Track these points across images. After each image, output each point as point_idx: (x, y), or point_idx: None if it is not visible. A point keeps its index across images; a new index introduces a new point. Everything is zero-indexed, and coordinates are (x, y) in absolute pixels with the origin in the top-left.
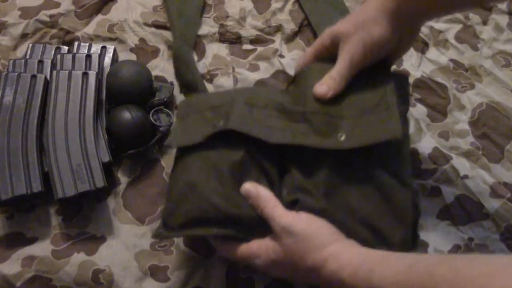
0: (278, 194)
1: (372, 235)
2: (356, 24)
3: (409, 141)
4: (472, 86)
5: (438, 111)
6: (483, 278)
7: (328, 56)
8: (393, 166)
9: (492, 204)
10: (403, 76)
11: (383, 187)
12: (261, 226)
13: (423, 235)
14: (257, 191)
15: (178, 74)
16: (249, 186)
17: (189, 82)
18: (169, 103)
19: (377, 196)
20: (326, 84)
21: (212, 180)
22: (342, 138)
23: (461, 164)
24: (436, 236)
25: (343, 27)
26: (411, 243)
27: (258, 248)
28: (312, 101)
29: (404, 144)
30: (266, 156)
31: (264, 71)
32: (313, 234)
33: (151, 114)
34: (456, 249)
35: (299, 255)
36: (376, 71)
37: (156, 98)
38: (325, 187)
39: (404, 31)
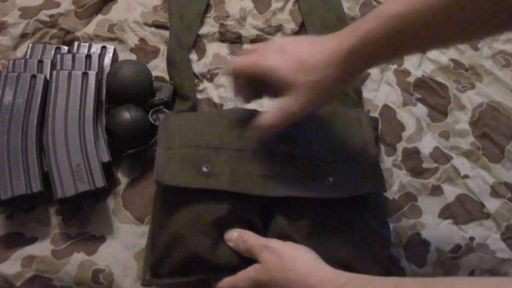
0: None
1: None
2: (317, 87)
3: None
4: (473, 86)
5: (439, 111)
6: None
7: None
8: (373, 208)
9: (493, 204)
10: (375, 119)
11: (362, 231)
12: (242, 269)
13: (425, 234)
14: (240, 230)
15: (170, 77)
16: (232, 231)
17: (177, 87)
18: (169, 103)
19: (356, 240)
20: (270, 117)
21: (197, 233)
22: (330, 182)
23: (462, 164)
24: (438, 235)
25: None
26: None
27: (241, 275)
28: (298, 144)
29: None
30: (251, 203)
31: None
32: (295, 254)
33: (150, 114)
34: (457, 249)
35: (279, 269)
36: (352, 113)
37: (156, 98)
38: (308, 230)
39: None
